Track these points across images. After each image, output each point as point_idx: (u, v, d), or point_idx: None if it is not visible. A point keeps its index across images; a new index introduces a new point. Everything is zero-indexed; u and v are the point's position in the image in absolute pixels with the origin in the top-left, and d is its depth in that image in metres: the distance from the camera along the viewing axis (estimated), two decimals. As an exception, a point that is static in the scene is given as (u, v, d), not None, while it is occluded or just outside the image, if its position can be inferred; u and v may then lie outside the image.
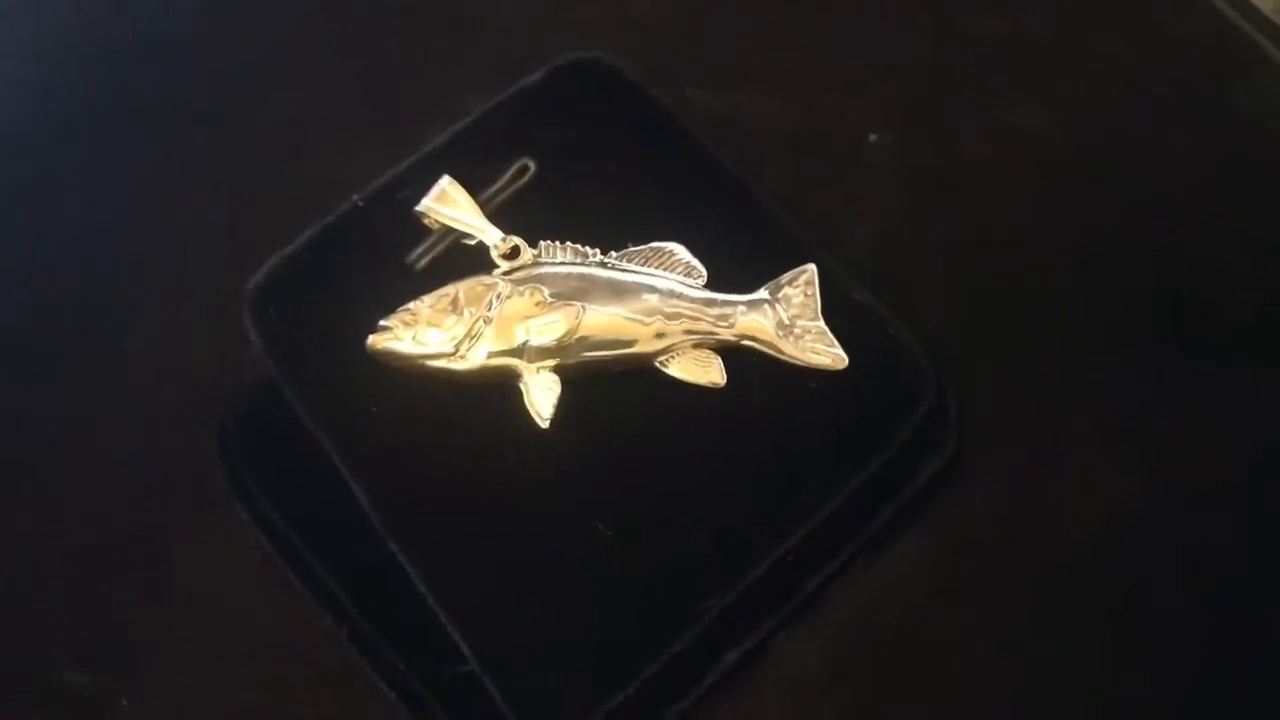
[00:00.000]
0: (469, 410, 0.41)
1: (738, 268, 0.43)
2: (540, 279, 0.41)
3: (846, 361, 0.42)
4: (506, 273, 0.42)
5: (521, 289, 0.41)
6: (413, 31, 0.53)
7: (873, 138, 0.51)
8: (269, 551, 0.44)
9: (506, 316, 0.40)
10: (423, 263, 0.43)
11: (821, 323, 0.42)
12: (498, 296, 0.40)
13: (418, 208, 0.42)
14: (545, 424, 0.40)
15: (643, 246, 0.42)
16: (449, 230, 0.42)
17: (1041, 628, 0.42)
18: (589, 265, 0.42)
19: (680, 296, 0.42)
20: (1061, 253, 0.48)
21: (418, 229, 0.43)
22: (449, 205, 0.42)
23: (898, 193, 0.50)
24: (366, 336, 0.41)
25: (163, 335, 0.47)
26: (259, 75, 0.52)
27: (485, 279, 0.41)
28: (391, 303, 0.42)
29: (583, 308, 0.41)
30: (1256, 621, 0.42)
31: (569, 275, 0.41)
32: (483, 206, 0.43)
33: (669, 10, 0.54)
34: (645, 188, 0.44)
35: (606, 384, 0.41)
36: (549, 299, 0.41)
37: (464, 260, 0.43)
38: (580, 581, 0.40)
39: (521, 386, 0.40)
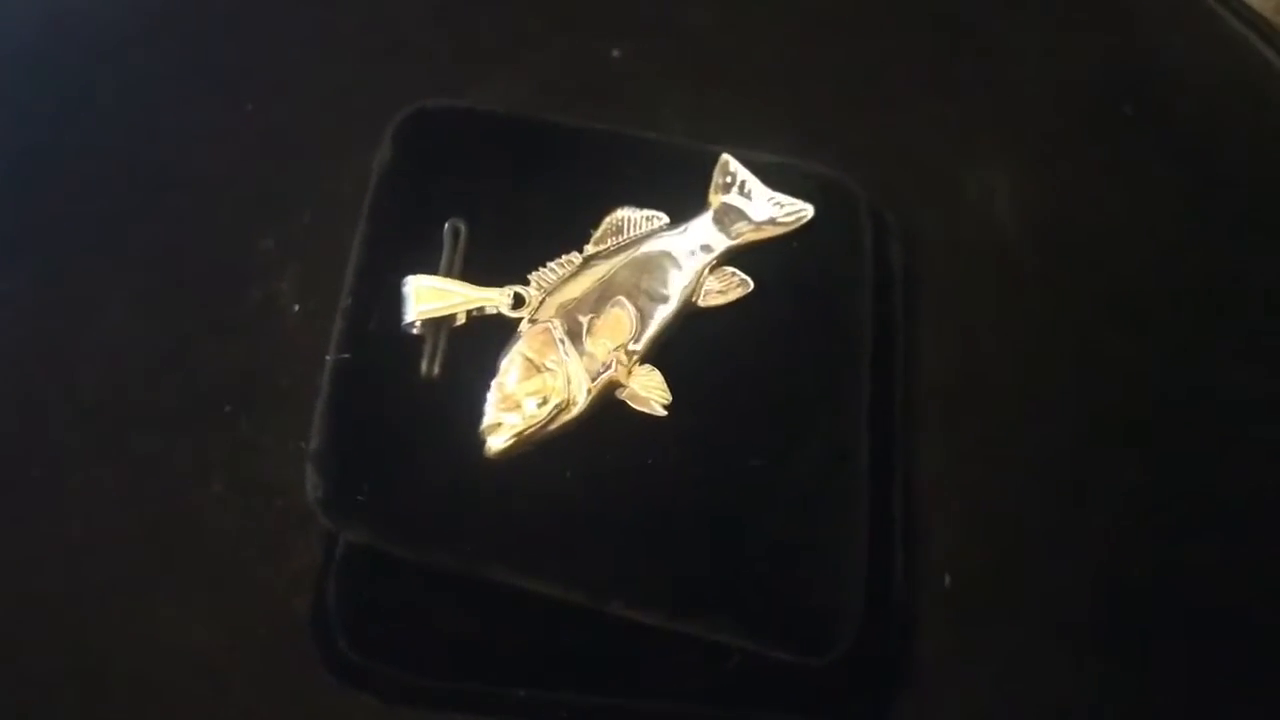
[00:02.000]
0: (583, 451, 0.40)
1: (673, 197, 0.45)
2: (573, 303, 0.41)
3: (812, 208, 0.45)
4: (533, 318, 0.41)
5: (566, 318, 0.41)
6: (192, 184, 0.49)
7: (615, 54, 0.54)
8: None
9: (576, 347, 0.40)
10: (437, 369, 0.41)
11: (771, 191, 0.45)
12: (561, 335, 0.40)
13: (407, 320, 0.41)
14: (666, 413, 0.41)
15: (600, 227, 0.43)
16: (438, 323, 0.41)
17: (1045, 303, 0.49)
18: (587, 267, 0.42)
19: (673, 244, 0.43)
20: (848, 43, 0.53)
21: (411, 341, 0.41)
22: (434, 299, 0.41)
23: (677, 85, 0.52)
24: (449, 461, 0.39)
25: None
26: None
27: (536, 328, 0.40)
28: (441, 415, 0.40)
29: (623, 300, 0.41)
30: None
31: (585, 285, 0.41)
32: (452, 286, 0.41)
33: (382, 46, 0.53)
34: (551, 184, 0.44)
35: (668, 351, 0.42)
36: (591, 311, 0.41)
37: (472, 340, 0.41)
38: (774, 522, 0.41)
39: (625, 397, 0.41)
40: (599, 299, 0.41)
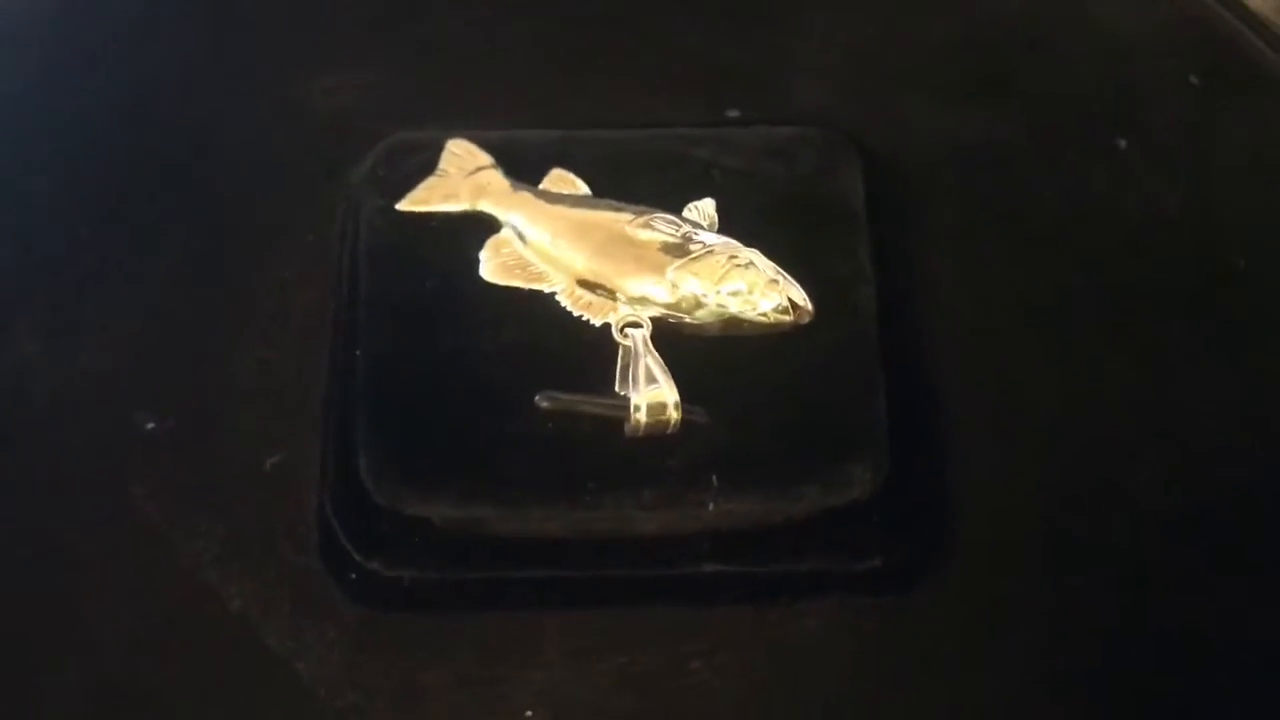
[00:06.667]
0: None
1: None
2: (637, 269, 0.39)
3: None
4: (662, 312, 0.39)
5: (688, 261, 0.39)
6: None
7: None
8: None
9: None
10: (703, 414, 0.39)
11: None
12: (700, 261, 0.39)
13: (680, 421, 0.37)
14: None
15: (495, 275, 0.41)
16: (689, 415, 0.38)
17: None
18: (582, 272, 0.40)
19: (523, 198, 0.42)
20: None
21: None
22: (660, 398, 0.37)
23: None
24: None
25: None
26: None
27: (705, 264, 0.38)
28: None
29: (622, 232, 0.41)
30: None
31: (617, 265, 0.39)
32: (594, 405, 0.37)
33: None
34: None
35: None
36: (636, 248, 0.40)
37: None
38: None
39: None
40: (631, 254, 0.39)
